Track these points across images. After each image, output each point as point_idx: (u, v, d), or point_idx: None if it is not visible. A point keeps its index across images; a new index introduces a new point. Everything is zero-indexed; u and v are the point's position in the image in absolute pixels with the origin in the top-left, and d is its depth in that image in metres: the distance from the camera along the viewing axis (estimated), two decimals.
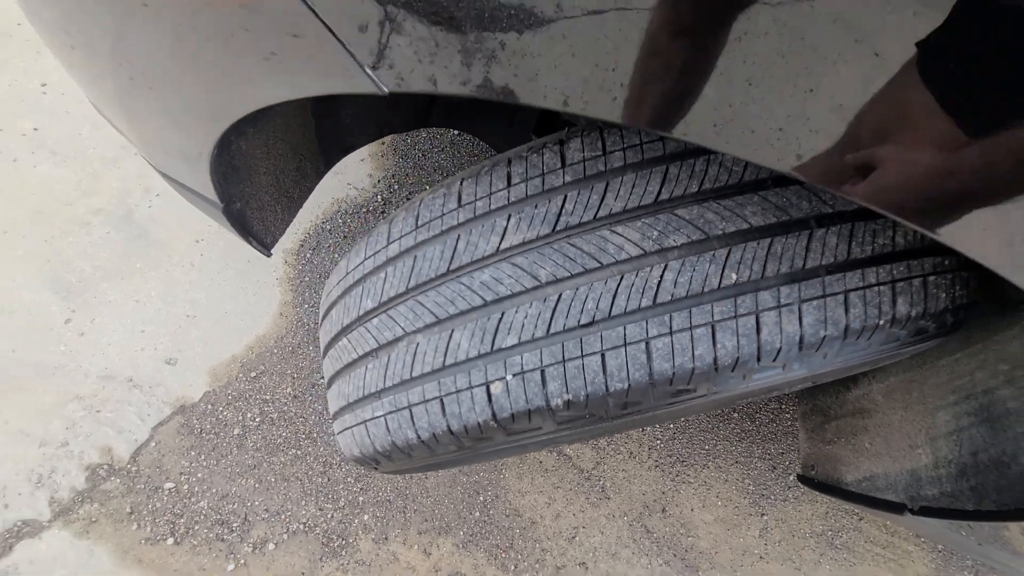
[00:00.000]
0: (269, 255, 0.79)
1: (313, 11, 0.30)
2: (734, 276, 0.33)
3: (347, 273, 0.48)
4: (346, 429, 0.49)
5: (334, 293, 0.50)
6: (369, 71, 0.30)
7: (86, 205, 0.98)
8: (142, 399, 0.88)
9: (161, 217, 1.00)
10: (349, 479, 0.90)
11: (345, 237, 1.10)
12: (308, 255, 1.05)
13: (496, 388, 0.36)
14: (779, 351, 0.34)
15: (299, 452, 0.90)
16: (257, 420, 0.91)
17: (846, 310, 0.34)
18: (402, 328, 0.41)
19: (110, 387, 0.88)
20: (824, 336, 0.34)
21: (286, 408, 0.93)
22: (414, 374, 0.40)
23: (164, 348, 0.92)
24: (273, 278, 1.02)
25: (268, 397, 0.93)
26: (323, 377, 0.65)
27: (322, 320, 0.56)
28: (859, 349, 0.36)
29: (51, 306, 0.90)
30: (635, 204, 0.35)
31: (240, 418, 0.91)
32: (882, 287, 0.35)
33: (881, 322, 0.35)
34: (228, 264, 1.00)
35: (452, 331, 0.38)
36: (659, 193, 0.34)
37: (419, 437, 0.41)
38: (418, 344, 0.40)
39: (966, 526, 0.60)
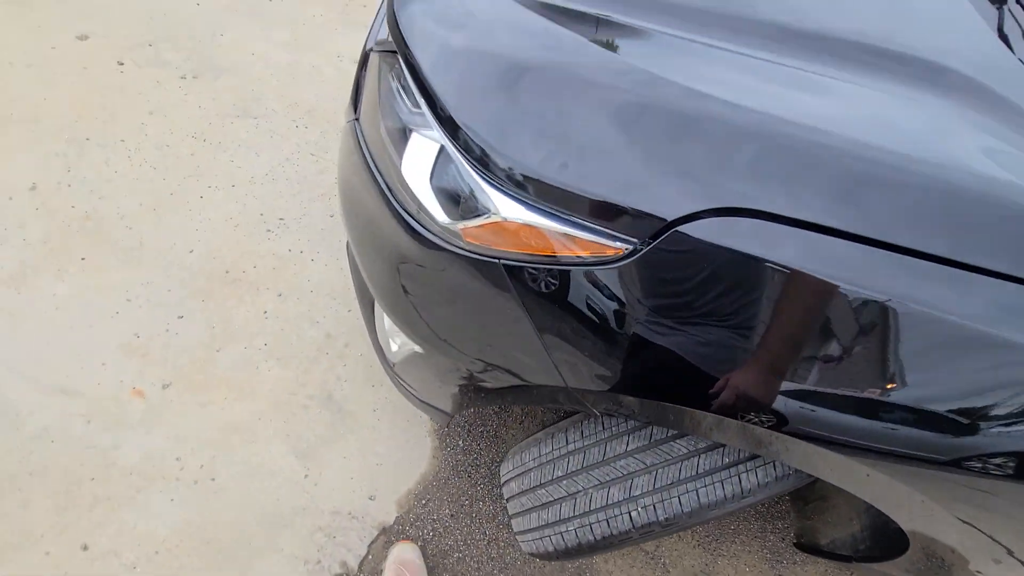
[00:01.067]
0: (447, 425, 1.29)
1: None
2: (727, 459, 0.84)
3: (540, 455, 0.98)
4: (543, 537, 0.97)
5: (529, 464, 1.00)
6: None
7: (303, 393, 1.50)
8: (358, 526, 1.34)
9: (349, 396, 1.52)
10: (494, 572, 1.34)
11: None
12: None
13: (634, 514, 0.85)
14: (750, 489, 0.83)
15: (460, 555, 1.35)
16: (431, 534, 1.37)
17: (775, 468, 0.84)
18: (582, 487, 0.90)
19: (338, 519, 1.34)
20: (768, 481, 0.83)
21: (447, 524, 1.39)
22: (591, 508, 0.88)
23: (366, 489, 1.39)
24: (424, 432, 1.51)
25: (435, 517, 1.39)
26: (510, 510, 1.12)
27: (513, 478, 1.05)
28: (787, 483, 0.85)
29: (295, 466, 1.39)
30: (684, 432, 0.85)
31: (420, 533, 1.36)
32: None
33: (791, 471, 0.84)
34: (395, 424, 1.50)
35: (609, 488, 0.87)
36: None
37: (594, 538, 0.89)
38: (591, 494, 0.89)
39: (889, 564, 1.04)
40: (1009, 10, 0.87)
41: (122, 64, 2.04)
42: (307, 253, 1.74)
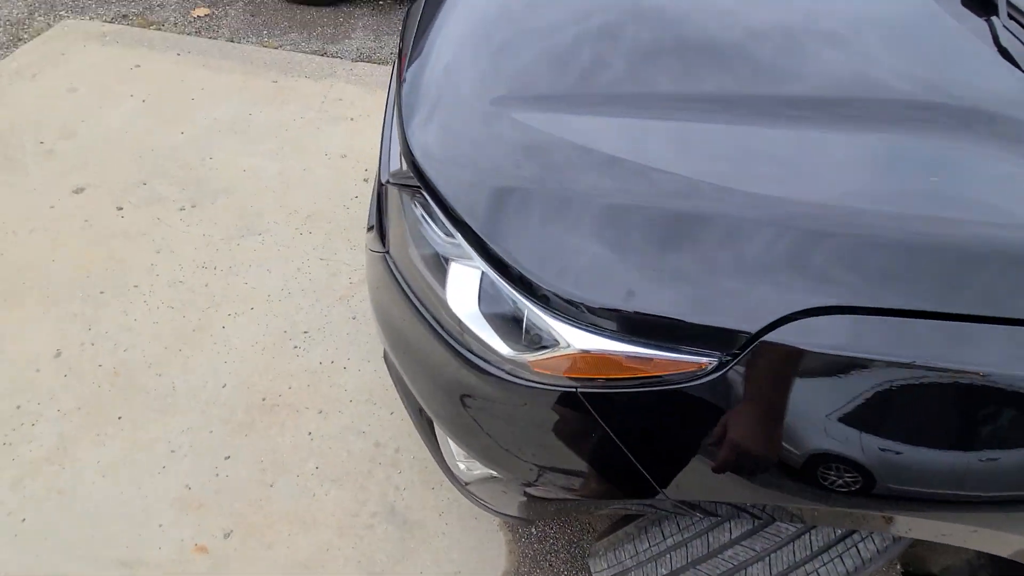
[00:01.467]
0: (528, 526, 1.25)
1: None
2: (840, 532, 0.80)
3: (637, 552, 0.94)
4: None
5: (627, 563, 0.96)
6: None
7: (365, 512, 1.46)
8: None
9: (412, 505, 1.47)
10: None
11: None
12: None
13: None
14: (870, 558, 0.79)
15: None
16: None
17: (882, 540, 0.80)
18: None
19: None
20: (886, 545, 0.80)
21: None
22: None
23: None
24: (495, 525, 1.47)
25: None
26: None
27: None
28: (904, 543, 0.81)
29: None
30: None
31: None
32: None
33: (899, 541, 0.81)
34: (464, 525, 1.46)
35: None
36: None
37: None
38: None
39: None
40: (1004, 26, 0.88)
41: (121, 209, 2.07)
42: (338, 362, 1.73)
